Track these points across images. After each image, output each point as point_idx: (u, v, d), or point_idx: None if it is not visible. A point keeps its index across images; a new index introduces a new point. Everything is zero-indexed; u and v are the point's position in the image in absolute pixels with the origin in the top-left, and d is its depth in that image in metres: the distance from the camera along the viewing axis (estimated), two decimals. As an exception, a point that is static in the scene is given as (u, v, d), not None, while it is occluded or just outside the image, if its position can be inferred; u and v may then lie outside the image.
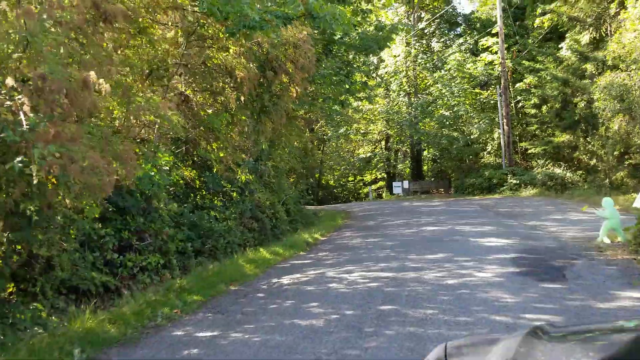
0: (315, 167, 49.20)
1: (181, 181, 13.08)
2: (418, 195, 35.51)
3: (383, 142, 46.48)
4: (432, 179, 39.31)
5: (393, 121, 38.87)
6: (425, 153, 41.02)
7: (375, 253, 10.95)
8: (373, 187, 53.01)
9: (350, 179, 56.49)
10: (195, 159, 13.61)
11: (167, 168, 9.67)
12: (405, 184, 36.29)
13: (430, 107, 33.46)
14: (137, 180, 9.30)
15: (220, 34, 11.66)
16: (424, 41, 38.36)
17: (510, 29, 33.27)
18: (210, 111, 12.30)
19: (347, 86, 19.86)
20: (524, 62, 29.87)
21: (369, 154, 46.19)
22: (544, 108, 30.08)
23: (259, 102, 12.59)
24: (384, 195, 42.68)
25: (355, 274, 8.64)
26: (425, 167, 41.77)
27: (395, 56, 36.27)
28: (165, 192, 11.04)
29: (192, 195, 12.74)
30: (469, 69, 32.17)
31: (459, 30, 39.51)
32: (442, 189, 36.42)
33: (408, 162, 40.97)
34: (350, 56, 19.82)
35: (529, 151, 30.23)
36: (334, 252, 11.85)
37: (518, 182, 28.74)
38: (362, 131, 46.30)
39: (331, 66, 18.82)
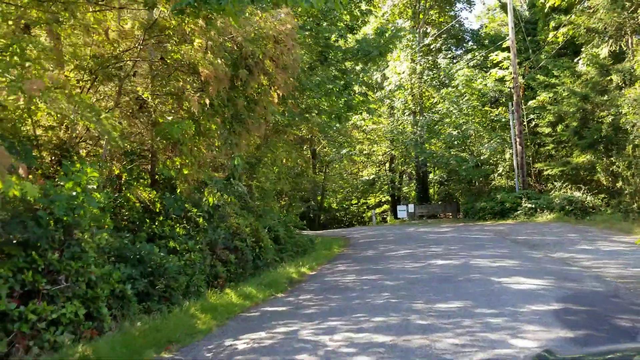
0: (311, 189, 46.85)
1: (137, 204, 10.68)
2: (424, 219, 32.90)
3: (387, 164, 44.05)
4: (439, 203, 36.74)
5: (397, 141, 36.49)
6: (431, 175, 38.55)
7: (370, 298, 8.40)
8: (377, 210, 50.47)
9: (354, 202, 53.96)
10: (158, 177, 11.19)
11: (94, 186, 7.19)
12: (411, 207, 33.74)
13: (436, 126, 31.06)
14: (48, 203, 6.93)
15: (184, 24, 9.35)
16: (430, 57, 36.13)
17: (522, 44, 31.02)
18: (170, 118, 9.90)
19: (345, 99, 17.52)
20: (538, 76, 27.49)
21: (372, 176, 43.72)
22: (560, 126, 27.63)
23: (232, 108, 10.17)
24: (388, 219, 40.10)
25: (338, 336, 6.10)
26: (431, 190, 39.21)
27: (399, 73, 34.01)
28: (110, 218, 8.54)
29: (148, 221, 10.28)
30: (478, 84, 29.80)
31: (467, 46, 37.34)
32: (450, 213, 33.81)
33: (413, 184, 38.50)
34: (349, 65, 17.48)
35: (545, 173, 27.67)
36: (319, 294, 9.30)
37: (533, 206, 26.15)
38: (365, 152, 43.95)
39: (327, 75, 16.51)
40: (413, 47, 35.55)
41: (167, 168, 10.39)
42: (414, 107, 35.56)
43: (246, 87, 10.20)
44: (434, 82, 34.47)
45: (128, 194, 10.50)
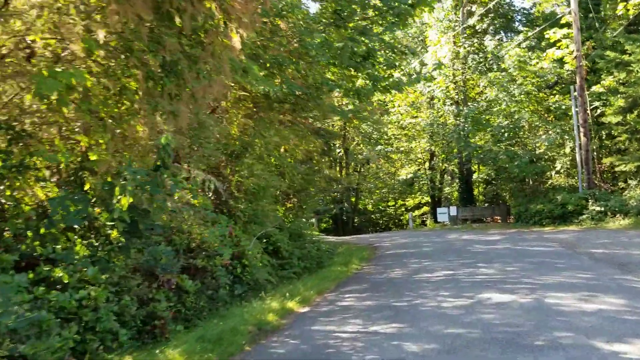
0: (344, 190, 42.79)
1: (27, 207, 6.88)
2: (468, 224, 28.27)
3: (427, 162, 39.47)
4: (486, 205, 31.98)
5: (438, 135, 31.94)
6: (476, 174, 33.86)
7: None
8: (415, 213, 45.88)
9: (391, 203, 49.49)
10: (62, 166, 7.31)
11: None
12: (453, 210, 29.16)
13: (483, 116, 26.37)
14: None
15: None
16: (475, 40, 31.41)
17: (582, 21, 26.03)
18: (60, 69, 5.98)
19: (367, 71, 13.32)
20: (608, 53, 22.52)
21: (410, 175, 39.19)
22: (634, 114, 22.67)
23: (159, 53, 6.19)
24: (428, 223, 35.54)
25: None
26: (476, 191, 34.43)
27: (440, 58, 29.42)
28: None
29: (30, 235, 6.40)
30: (533, 66, 25.02)
31: (516, 28, 32.45)
32: (499, 217, 29.06)
33: (456, 184, 33.80)
34: (370, 26, 13.23)
35: (617, 169, 22.68)
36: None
37: (602, 209, 21.30)
38: (401, 149, 39.50)
39: (341, 38, 12.36)
40: (456, 28, 30.93)
41: (63, 152, 6.50)
42: (456, 97, 30.90)
43: (183, 18, 6.16)
44: (480, 67, 29.71)
45: (8, 192, 6.69)
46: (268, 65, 11.25)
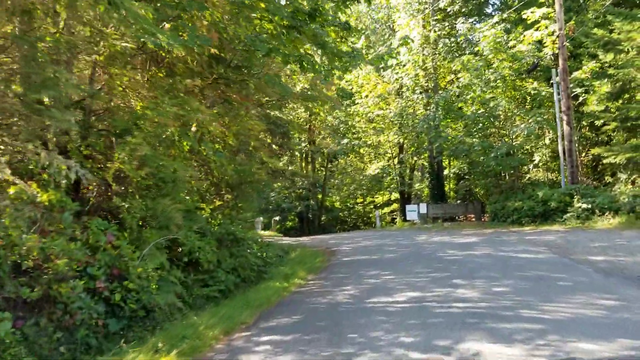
0: (311, 185, 39.83)
1: None
2: (440, 222, 25.44)
3: (395, 156, 36.64)
4: (458, 202, 29.23)
5: (407, 126, 29.05)
6: (447, 169, 31.10)
7: None
8: (384, 210, 43.10)
9: (359, 200, 46.60)
10: None
11: None
12: (423, 207, 26.28)
13: (455, 103, 23.48)
14: None
15: None
16: (447, 24, 28.58)
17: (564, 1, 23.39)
18: None
19: (313, 32, 10.21)
20: (595, 31, 19.86)
21: (377, 171, 36.30)
22: (620, 100, 20.14)
23: None
24: (397, 221, 32.74)
25: None
26: (448, 187, 31.69)
27: (407, 39, 26.47)
28: None
29: None
30: (510, 47, 22.26)
31: (492, 10, 29.79)
32: (473, 215, 26.34)
33: (426, 180, 30.97)
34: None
35: (605, 161, 20.02)
36: None
37: (589, 206, 18.61)
38: (369, 142, 36.56)
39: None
40: (425, 10, 28.08)
41: None
42: (426, 85, 28.05)
43: None
44: (452, 51, 26.86)
45: None
46: (170, 12, 8.07)
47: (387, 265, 11.61)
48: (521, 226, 20.20)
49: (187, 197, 10.52)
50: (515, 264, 10.40)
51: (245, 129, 11.89)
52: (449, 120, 24.06)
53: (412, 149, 30.95)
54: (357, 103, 37.42)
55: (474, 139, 22.72)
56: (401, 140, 32.15)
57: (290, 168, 45.88)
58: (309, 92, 14.00)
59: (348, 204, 47.17)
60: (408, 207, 27.41)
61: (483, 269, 9.91)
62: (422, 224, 25.83)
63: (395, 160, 36.10)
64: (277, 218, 46.85)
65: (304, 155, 44.85)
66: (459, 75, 23.67)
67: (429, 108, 26.66)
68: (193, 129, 9.01)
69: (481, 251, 12.94)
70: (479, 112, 22.39)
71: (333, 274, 11.16)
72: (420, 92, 27.51)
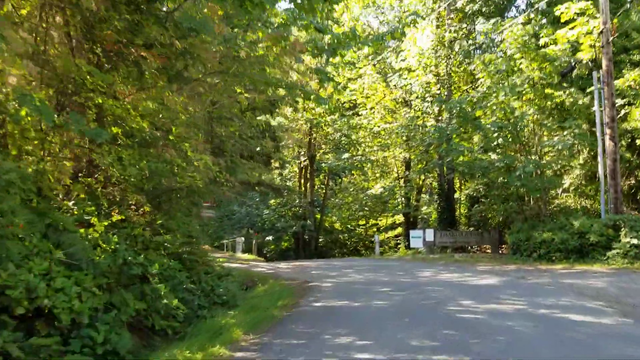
0: (308, 204, 35.86)
1: None
2: (448, 253, 21.29)
3: (401, 173, 32.58)
4: (471, 229, 25.01)
5: (415, 139, 25.06)
6: (457, 193, 26.93)
7: None
8: (385, 235, 38.93)
9: (361, 222, 42.45)
10: None
11: None
12: (429, 234, 22.14)
13: (472, 112, 19.40)
14: None
15: None
16: (464, 25, 24.70)
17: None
18: None
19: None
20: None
21: (380, 190, 32.20)
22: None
23: None
24: (401, 248, 28.53)
25: None
26: (459, 211, 27.49)
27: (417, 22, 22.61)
28: None
29: None
30: (542, 46, 18.29)
31: (516, 13, 25.90)
32: (488, 246, 22.16)
33: (435, 202, 26.78)
34: None
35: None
36: None
37: (641, 242, 14.47)
38: (372, 158, 32.55)
39: None
40: (440, 8, 24.25)
41: None
42: (439, 93, 24.03)
43: None
44: (470, 54, 22.90)
45: None
46: None
47: (370, 326, 7.49)
48: (551, 263, 16.02)
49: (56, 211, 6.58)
50: (573, 338, 6.26)
51: (171, 110, 7.95)
52: (464, 132, 19.96)
53: (420, 166, 26.88)
54: (361, 115, 33.61)
55: (494, 155, 18.63)
56: (408, 156, 28.09)
57: (279, 181, 42.03)
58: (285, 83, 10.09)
59: (349, 226, 43.01)
60: (412, 233, 23.28)
61: (525, 348, 5.79)
62: (428, 253, 21.67)
63: (402, 181, 32.07)
64: (270, 238, 42.79)
65: (302, 171, 40.94)
66: (479, 76, 19.59)
67: (440, 118, 22.68)
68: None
69: (511, 304, 8.79)
70: (502, 122, 18.29)
71: (282, 338, 7.06)
72: (431, 101, 23.45)
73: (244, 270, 16.73)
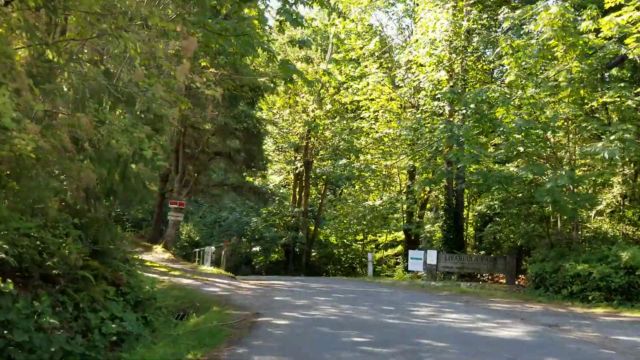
0: (300, 215, 32.29)
1: None
2: (453, 281, 17.48)
3: (403, 185, 28.85)
4: (481, 253, 21.10)
5: (422, 144, 21.34)
6: (468, 210, 23.06)
7: None
8: (385, 253, 35.26)
9: (359, 237, 38.56)
10: None
11: None
12: (432, 255, 18.28)
13: (493, 111, 15.62)
14: None
15: None
16: (486, 15, 21.02)
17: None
18: None
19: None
20: None
21: (378, 202, 28.37)
22: None
23: None
24: (398, 271, 24.62)
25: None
26: (466, 231, 23.63)
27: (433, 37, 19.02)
28: None
29: None
30: (582, 32, 14.52)
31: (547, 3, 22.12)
32: (502, 275, 18.31)
33: (440, 219, 22.90)
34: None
35: None
36: None
37: None
38: (373, 166, 28.81)
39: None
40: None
41: None
42: (452, 90, 20.24)
43: None
44: (491, 43, 19.15)
45: None
46: None
47: None
48: (587, 305, 12.19)
49: None
50: None
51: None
52: (480, 133, 16.14)
53: (425, 175, 23.08)
54: (363, 118, 29.98)
55: (514, 165, 14.86)
56: (412, 164, 24.31)
57: (271, 186, 38.32)
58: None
59: (345, 241, 39.14)
60: (412, 254, 19.43)
61: None
62: (429, 279, 17.84)
63: (404, 193, 28.29)
64: (257, 249, 38.97)
65: (297, 178, 37.24)
66: (504, 62, 15.76)
67: (452, 120, 18.94)
68: None
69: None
70: (529, 123, 14.49)
71: None
72: (442, 94, 19.60)
73: (192, 290, 13.01)
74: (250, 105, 19.99)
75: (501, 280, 18.80)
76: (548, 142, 15.11)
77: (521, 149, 14.83)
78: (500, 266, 17.57)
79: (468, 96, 15.12)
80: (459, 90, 19.33)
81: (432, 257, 18.00)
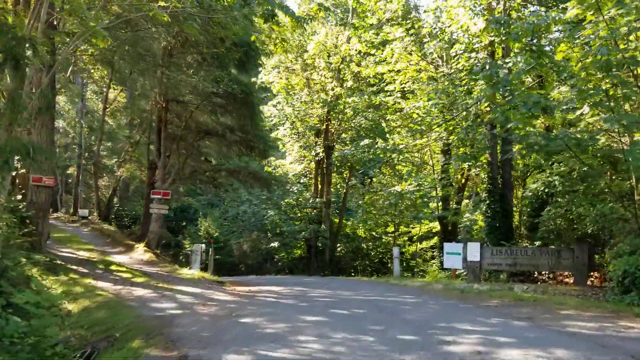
0: (323, 205, 28.60)
1: None
2: (503, 282, 13.23)
3: (438, 167, 24.52)
4: (536, 244, 16.62)
5: (455, 109, 17.04)
6: (516, 190, 18.58)
7: None
8: (414, 248, 31.14)
9: (390, 229, 34.27)
10: None
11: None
12: (474, 249, 13.98)
13: (552, 51, 11.23)
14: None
15: None
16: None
17: None
18: None
19: None
20: None
21: (408, 187, 24.08)
22: None
23: None
24: (431, 267, 20.40)
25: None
26: (517, 217, 19.15)
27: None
28: None
29: None
30: None
31: None
32: (568, 272, 13.93)
33: (483, 202, 18.49)
34: None
35: None
36: None
37: None
38: (401, 147, 24.56)
39: None
40: None
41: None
42: (495, 22, 15.81)
43: None
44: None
45: None
46: None
47: None
48: None
49: None
50: None
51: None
52: (536, 79, 11.73)
53: (463, 150, 18.71)
54: (387, 92, 25.81)
55: (590, 116, 10.47)
56: (445, 136, 19.97)
57: (280, 172, 34.41)
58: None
59: (375, 233, 34.91)
60: (447, 247, 15.14)
61: None
62: (471, 280, 13.62)
63: (437, 176, 23.92)
64: (276, 244, 35.18)
65: (318, 165, 33.25)
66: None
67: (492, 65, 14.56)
68: None
69: None
70: (609, 58, 10.06)
71: None
72: (487, 22, 15.11)
73: (132, 308, 9.19)
74: (240, 68, 16.10)
75: (567, 279, 14.42)
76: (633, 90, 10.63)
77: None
78: (566, 261, 13.17)
79: (518, 27, 10.72)
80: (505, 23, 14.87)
81: (474, 251, 13.73)
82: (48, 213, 14.29)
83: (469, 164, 18.35)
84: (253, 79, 17.74)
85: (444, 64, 20.72)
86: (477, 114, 15.74)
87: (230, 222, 46.18)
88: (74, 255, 16.21)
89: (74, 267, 13.85)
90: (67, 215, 29.79)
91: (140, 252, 17.28)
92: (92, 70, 23.32)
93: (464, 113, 16.08)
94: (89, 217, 27.78)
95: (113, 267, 14.08)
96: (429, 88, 18.65)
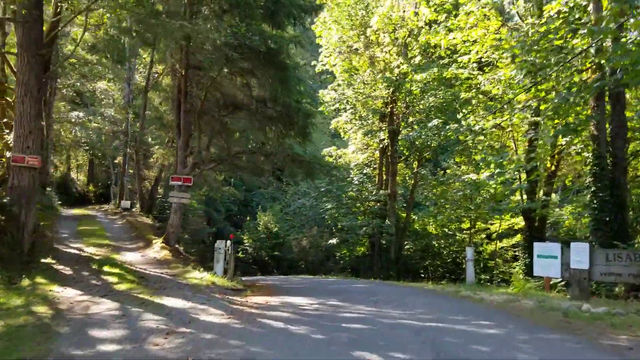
0: (389, 198, 25.15)
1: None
2: (625, 302, 9.13)
3: (524, 149, 20.18)
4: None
5: (540, 71, 12.92)
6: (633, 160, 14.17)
7: None
8: (494, 246, 26.91)
9: (465, 225, 29.98)
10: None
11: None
12: (580, 252, 9.94)
13: None
14: None
15: None
16: None
17: None
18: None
19: None
20: None
21: (485, 175, 19.88)
22: None
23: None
24: (514, 277, 16.25)
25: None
26: (632, 213, 14.66)
27: None
28: None
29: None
30: None
31: None
32: None
33: (588, 190, 14.12)
34: None
35: None
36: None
37: None
38: (476, 127, 20.48)
39: None
40: None
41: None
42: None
43: None
44: None
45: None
46: None
47: None
48: None
49: None
50: None
51: None
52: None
53: (557, 120, 14.39)
54: (459, 62, 21.79)
55: None
56: (534, 106, 15.74)
57: (339, 161, 30.88)
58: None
59: (448, 230, 30.70)
60: (538, 248, 11.07)
61: None
62: (577, 296, 9.60)
63: (521, 157, 19.58)
64: (334, 241, 31.83)
65: (382, 153, 29.55)
66: None
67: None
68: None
69: None
70: None
71: None
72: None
73: (59, 337, 6.20)
74: (269, 20, 12.80)
75: None
76: None
77: None
78: None
79: None
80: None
81: (580, 255, 9.67)
82: (34, 200, 11.69)
83: (567, 139, 14.08)
84: (287, 33, 14.42)
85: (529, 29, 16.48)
86: (580, 69, 11.61)
87: (292, 217, 43.44)
88: (78, 252, 13.68)
89: (61, 267, 11.21)
90: (112, 207, 28.06)
91: (157, 249, 14.53)
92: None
93: (562, 69, 11.92)
94: (132, 209, 25.77)
95: (106, 268, 11.31)
96: (514, 42, 14.53)
